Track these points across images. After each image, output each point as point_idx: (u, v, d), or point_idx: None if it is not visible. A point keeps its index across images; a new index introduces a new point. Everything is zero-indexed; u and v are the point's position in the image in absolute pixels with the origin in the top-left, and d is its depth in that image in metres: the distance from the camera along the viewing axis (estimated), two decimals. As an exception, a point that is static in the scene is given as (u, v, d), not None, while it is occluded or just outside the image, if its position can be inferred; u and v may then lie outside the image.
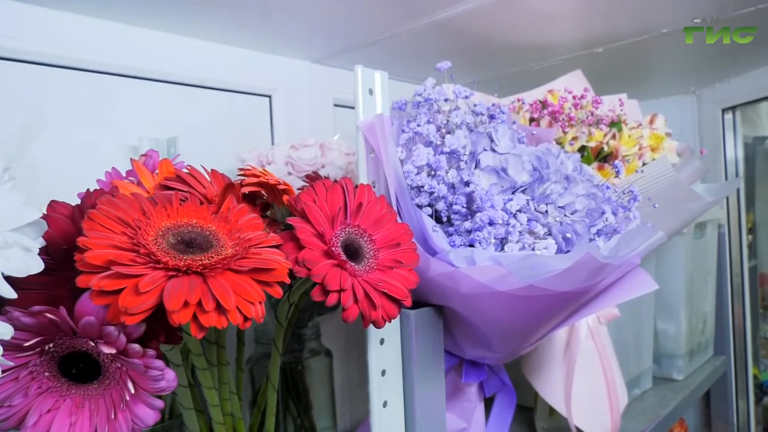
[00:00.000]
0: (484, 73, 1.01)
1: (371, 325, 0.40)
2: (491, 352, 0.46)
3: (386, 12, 0.71)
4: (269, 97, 0.82)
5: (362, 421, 0.80)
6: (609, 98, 0.66)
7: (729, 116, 1.12)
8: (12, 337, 0.23)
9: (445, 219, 0.42)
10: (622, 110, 0.63)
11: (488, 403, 0.59)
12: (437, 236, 0.39)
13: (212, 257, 0.27)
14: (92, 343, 0.26)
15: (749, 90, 1.06)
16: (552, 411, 0.75)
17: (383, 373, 0.41)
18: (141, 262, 0.25)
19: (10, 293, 0.21)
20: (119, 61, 0.65)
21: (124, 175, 0.38)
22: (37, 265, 0.23)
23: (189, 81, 0.73)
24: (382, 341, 0.41)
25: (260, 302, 0.27)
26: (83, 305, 0.25)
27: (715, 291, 1.10)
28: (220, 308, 0.25)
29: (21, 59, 0.57)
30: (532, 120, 0.62)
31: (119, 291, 0.24)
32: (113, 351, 0.25)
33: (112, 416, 0.26)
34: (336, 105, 0.89)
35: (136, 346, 0.25)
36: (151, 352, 0.25)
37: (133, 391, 0.26)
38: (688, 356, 1.01)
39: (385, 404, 0.41)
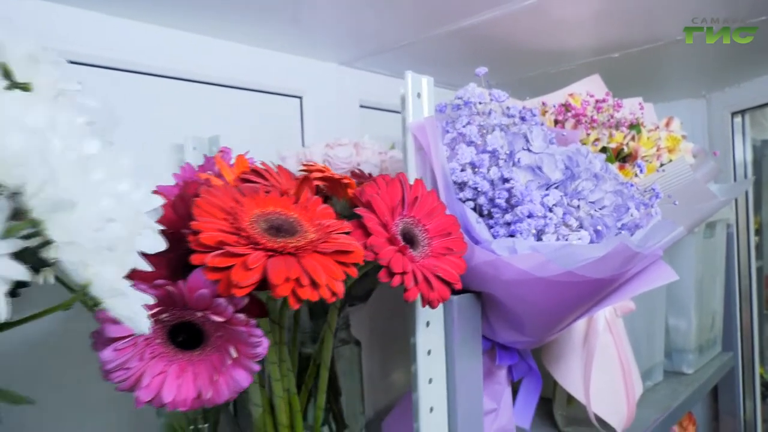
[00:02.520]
0: (503, 77, 1.05)
1: (418, 310, 0.44)
2: (524, 336, 0.50)
3: (411, 18, 0.75)
4: (300, 98, 0.86)
5: (388, 408, 0.84)
6: (628, 102, 0.70)
7: (738, 120, 1.16)
8: (138, 306, 0.27)
9: (485, 213, 0.46)
10: (641, 113, 0.67)
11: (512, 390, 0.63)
12: (480, 227, 0.43)
13: (300, 240, 0.31)
14: (199, 314, 0.29)
15: (758, 94, 1.10)
16: (570, 400, 0.79)
17: (429, 352, 0.45)
18: (244, 243, 0.29)
19: (147, 267, 0.25)
20: (163, 64, 0.69)
21: (196, 169, 0.42)
22: (161, 245, 0.27)
23: (227, 82, 0.77)
24: (428, 324, 0.45)
25: (342, 280, 0.31)
26: (195, 280, 0.29)
27: (723, 289, 1.14)
28: (313, 284, 0.29)
29: (79, 62, 0.61)
30: (556, 122, 0.66)
31: (229, 267, 0.28)
32: (222, 320, 0.29)
33: (215, 378, 0.30)
34: (361, 106, 0.93)
35: (241, 316, 0.29)
36: (252, 321, 0.29)
37: (235, 355, 0.30)
38: (697, 351, 1.04)
39: (430, 381, 0.45)
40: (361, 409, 0.78)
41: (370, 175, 0.56)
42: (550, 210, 0.43)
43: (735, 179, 1.16)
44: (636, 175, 0.61)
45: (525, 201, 0.42)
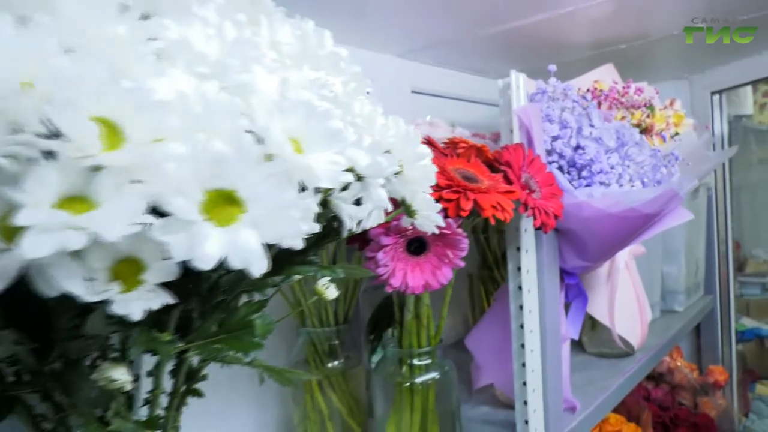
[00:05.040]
0: (525, 64, 1.24)
1: (521, 241, 0.64)
2: (585, 262, 0.70)
3: (460, 19, 0.93)
4: (366, 85, 1.03)
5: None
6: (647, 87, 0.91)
7: (717, 98, 1.38)
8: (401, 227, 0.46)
9: (565, 172, 0.65)
10: (657, 96, 0.87)
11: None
12: (565, 181, 0.63)
13: (483, 185, 0.49)
14: (427, 231, 0.48)
15: (734, 76, 1.32)
16: (593, 326, 1.00)
17: (528, 271, 0.64)
18: (458, 185, 0.48)
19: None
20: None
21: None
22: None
23: (313, 73, 0.94)
24: (527, 251, 0.64)
25: (512, 209, 0.50)
26: (429, 209, 0.47)
27: (705, 242, 1.37)
28: (503, 209, 0.48)
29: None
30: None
31: (455, 199, 0.46)
32: (449, 232, 0.47)
33: (435, 273, 0.49)
34: (412, 92, 1.11)
35: (460, 230, 0.48)
36: (464, 233, 0.48)
37: (451, 256, 0.48)
38: (685, 293, 1.27)
39: (528, 291, 0.64)
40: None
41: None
42: (612, 168, 0.63)
43: (714, 150, 1.39)
44: (654, 145, 0.82)
45: (596, 162, 0.62)
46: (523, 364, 0.66)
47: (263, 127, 0.23)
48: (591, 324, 1.01)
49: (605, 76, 0.96)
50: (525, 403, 0.67)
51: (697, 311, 1.32)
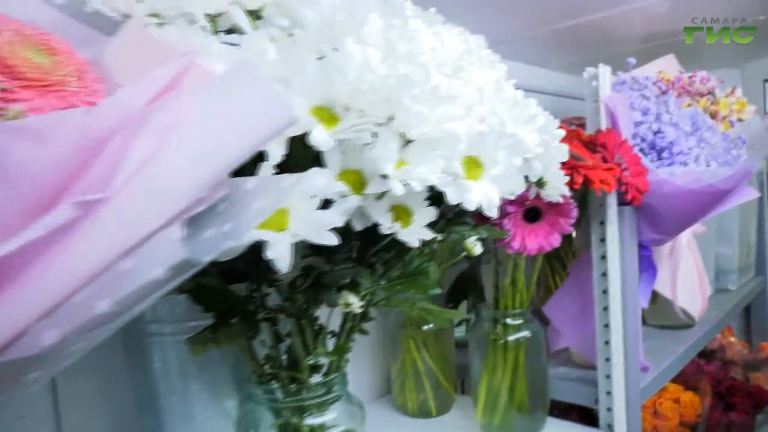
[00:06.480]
0: (583, 56, 1.32)
1: (606, 215, 0.73)
2: (660, 235, 0.79)
3: (525, 18, 1.02)
4: (441, 77, 1.13)
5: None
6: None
7: (769, 86, 1.44)
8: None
9: (646, 155, 0.74)
10: (720, 85, 0.95)
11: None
12: (646, 161, 0.72)
13: (589, 163, 0.59)
14: (553, 200, 0.57)
15: (787, 65, 1.38)
16: (654, 299, 1.08)
17: (612, 241, 0.73)
18: (570, 163, 0.57)
19: (544, 172, 0.53)
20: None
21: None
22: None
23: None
24: (611, 223, 0.73)
25: (613, 184, 0.59)
26: (545, 183, 0.57)
27: (756, 225, 1.44)
28: (608, 183, 0.57)
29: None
30: (663, 92, 0.94)
31: (570, 175, 0.56)
32: (562, 202, 0.57)
33: (549, 236, 0.58)
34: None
35: (571, 201, 0.57)
36: (575, 203, 0.58)
37: (562, 223, 0.58)
38: (738, 273, 1.34)
39: (612, 259, 0.73)
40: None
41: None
42: (690, 149, 0.72)
43: (765, 135, 1.45)
44: (722, 129, 0.89)
45: (676, 144, 0.71)
46: (606, 325, 0.76)
47: (492, 111, 0.33)
48: (652, 298, 1.09)
49: (668, 66, 1.04)
50: (607, 359, 0.76)
51: (749, 291, 1.39)
